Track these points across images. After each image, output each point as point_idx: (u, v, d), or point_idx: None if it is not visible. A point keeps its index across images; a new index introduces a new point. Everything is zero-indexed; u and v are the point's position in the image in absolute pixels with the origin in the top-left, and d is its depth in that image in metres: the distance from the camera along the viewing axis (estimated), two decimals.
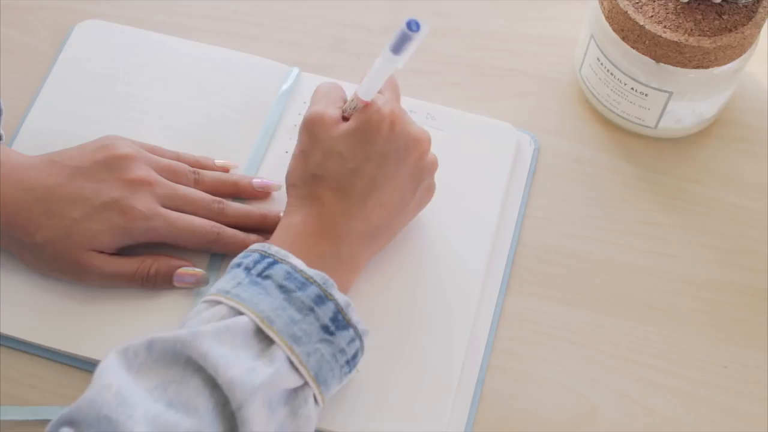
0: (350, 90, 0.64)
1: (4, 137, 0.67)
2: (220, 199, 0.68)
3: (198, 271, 0.66)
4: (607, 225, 0.72)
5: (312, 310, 0.57)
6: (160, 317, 0.66)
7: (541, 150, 0.75)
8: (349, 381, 0.63)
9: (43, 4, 0.80)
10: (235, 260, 0.60)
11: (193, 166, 0.70)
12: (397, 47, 0.55)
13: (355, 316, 0.58)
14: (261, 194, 0.70)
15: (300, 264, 0.58)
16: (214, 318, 0.56)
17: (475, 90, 0.77)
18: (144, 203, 0.65)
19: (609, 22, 0.70)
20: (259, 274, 0.58)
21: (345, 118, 0.63)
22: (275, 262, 0.58)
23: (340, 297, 0.58)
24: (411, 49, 0.55)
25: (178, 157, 0.70)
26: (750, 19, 0.68)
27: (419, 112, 0.74)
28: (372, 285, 0.67)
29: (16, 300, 0.66)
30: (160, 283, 0.66)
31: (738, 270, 0.70)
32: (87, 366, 0.65)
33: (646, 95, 0.71)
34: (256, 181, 0.70)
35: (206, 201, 0.67)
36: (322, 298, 0.57)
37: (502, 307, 0.68)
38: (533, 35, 0.80)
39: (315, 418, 0.57)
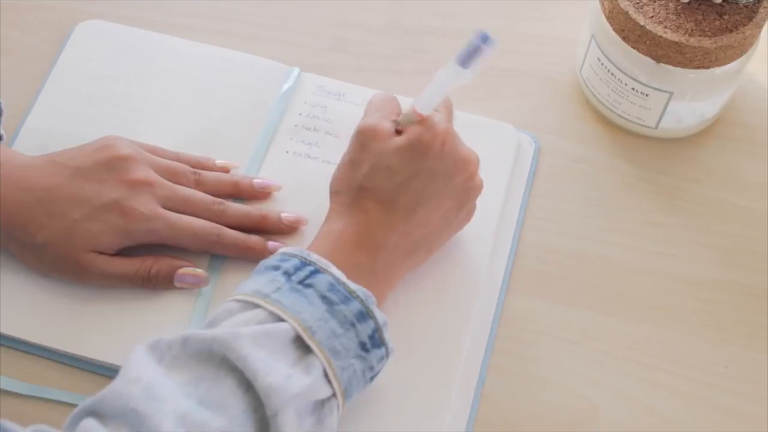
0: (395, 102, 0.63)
1: (4, 137, 0.67)
2: (220, 200, 0.68)
3: (199, 271, 0.66)
4: (608, 225, 0.72)
5: (353, 325, 0.56)
6: (160, 317, 0.66)
7: (541, 150, 0.74)
8: None
9: (44, 4, 0.80)
10: (269, 262, 0.59)
11: (193, 167, 0.69)
12: (466, 60, 0.54)
13: (387, 334, 0.58)
14: (261, 194, 0.70)
15: (342, 276, 0.58)
16: (252, 321, 0.55)
17: (476, 90, 0.77)
18: (144, 204, 0.64)
19: (609, 23, 0.70)
20: (301, 282, 0.57)
21: (398, 131, 0.63)
22: (317, 271, 0.57)
23: (379, 316, 0.58)
24: (481, 62, 0.54)
25: (178, 158, 0.70)
26: (751, 19, 0.68)
27: None
28: None
29: (16, 300, 0.66)
30: (161, 283, 0.66)
31: (738, 270, 0.70)
32: (87, 366, 0.65)
33: (647, 95, 0.71)
34: (256, 181, 0.70)
35: (207, 202, 0.67)
36: (364, 315, 0.57)
37: (503, 307, 0.68)
38: (534, 35, 0.80)
39: (336, 427, 0.57)
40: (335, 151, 0.72)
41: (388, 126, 0.62)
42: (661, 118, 0.73)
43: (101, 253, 0.65)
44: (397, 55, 0.79)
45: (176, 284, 0.66)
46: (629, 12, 0.68)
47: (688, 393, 0.65)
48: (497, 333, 0.67)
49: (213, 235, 0.66)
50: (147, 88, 0.75)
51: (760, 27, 0.68)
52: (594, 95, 0.75)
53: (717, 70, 0.69)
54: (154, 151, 0.69)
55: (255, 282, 0.58)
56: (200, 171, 0.69)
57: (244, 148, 0.73)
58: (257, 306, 0.56)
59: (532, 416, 0.64)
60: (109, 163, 0.65)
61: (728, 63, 0.69)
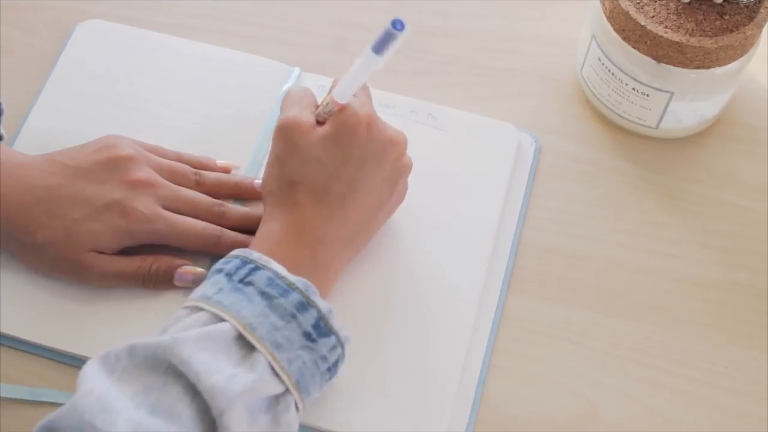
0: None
1: (5, 137, 0.67)
2: (221, 202, 0.68)
3: (199, 270, 0.66)
4: (608, 225, 0.72)
5: (294, 316, 0.56)
6: (160, 317, 0.65)
7: (542, 150, 0.74)
8: (350, 381, 0.63)
9: (44, 4, 0.80)
10: (216, 266, 0.59)
11: (194, 167, 0.69)
12: (380, 47, 0.54)
13: (337, 322, 0.58)
14: (262, 195, 0.70)
15: (282, 270, 0.58)
16: (195, 324, 0.55)
17: (476, 90, 0.77)
18: (145, 205, 0.65)
19: (610, 23, 0.70)
20: (241, 280, 0.57)
21: (319, 123, 0.62)
22: (257, 268, 0.58)
23: (322, 304, 0.57)
24: (393, 49, 0.55)
25: (179, 158, 0.70)
26: (751, 19, 0.68)
27: (420, 112, 0.74)
28: (373, 285, 0.67)
29: (16, 300, 0.66)
30: (161, 281, 0.66)
31: (739, 270, 0.70)
32: None
33: (648, 95, 0.71)
34: (257, 182, 0.70)
35: (207, 204, 0.67)
36: (304, 304, 0.57)
37: (503, 307, 0.68)
38: (534, 35, 0.80)
39: (296, 425, 0.57)
40: None
41: (309, 118, 0.62)
42: (661, 118, 0.73)
43: (101, 252, 0.65)
44: (397, 55, 0.79)
45: (176, 282, 0.66)
46: (630, 12, 0.68)
47: (689, 393, 0.65)
48: (498, 333, 0.67)
49: (213, 236, 0.66)
50: (147, 87, 0.75)
51: (760, 27, 0.68)
52: (594, 95, 0.75)
53: (717, 70, 0.69)
54: (155, 150, 0.69)
55: (202, 287, 0.58)
56: (201, 171, 0.69)
57: (245, 147, 0.73)
58: (200, 309, 0.56)
59: (533, 416, 0.64)
60: (110, 163, 0.65)
61: (729, 63, 0.69)
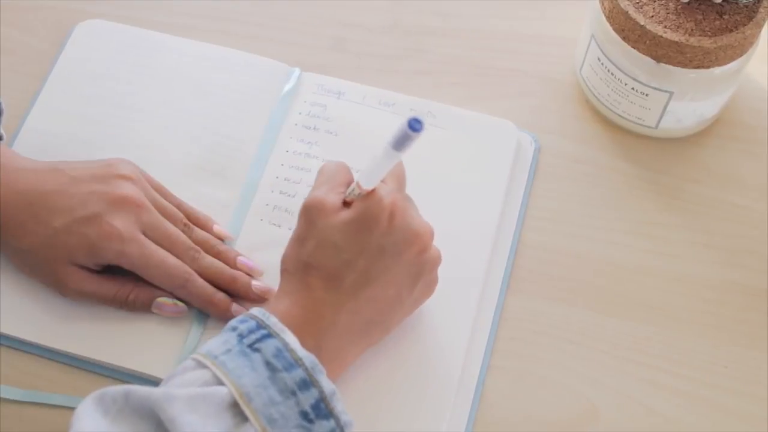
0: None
1: (5, 137, 0.67)
2: (198, 248, 0.66)
3: (180, 303, 0.65)
4: (608, 225, 0.72)
5: (294, 393, 0.54)
6: (160, 318, 0.66)
7: (541, 150, 0.74)
8: (350, 381, 0.63)
9: (44, 4, 0.80)
10: (233, 322, 0.58)
11: (190, 219, 0.68)
12: (399, 145, 0.53)
13: (339, 405, 0.55)
14: (242, 268, 0.67)
15: (293, 342, 0.56)
16: (195, 382, 0.54)
17: (476, 90, 0.77)
18: (124, 224, 0.63)
19: (609, 22, 0.70)
20: (251, 345, 0.55)
21: (347, 203, 0.60)
22: (269, 336, 0.56)
23: (326, 384, 0.55)
24: (412, 146, 0.53)
25: (179, 206, 0.68)
26: (751, 19, 0.68)
27: (420, 110, 0.74)
28: None
29: (16, 300, 0.66)
30: (139, 309, 0.65)
31: (739, 270, 0.70)
32: (87, 366, 0.65)
33: (647, 95, 0.71)
34: (241, 258, 0.67)
35: (185, 245, 0.65)
36: (307, 383, 0.55)
37: (503, 307, 0.68)
38: (534, 35, 0.80)
39: None
40: (335, 149, 0.72)
41: (334, 199, 0.60)
42: (661, 117, 0.73)
43: (83, 267, 0.64)
44: (397, 55, 0.79)
45: (154, 311, 0.65)
46: (629, 12, 0.68)
47: (689, 393, 0.65)
48: (497, 333, 0.67)
49: (182, 278, 0.64)
50: (147, 87, 0.75)
51: (760, 27, 0.68)
52: (594, 95, 0.75)
53: (717, 70, 0.69)
54: (160, 188, 0.68)
55: (214, 341, 0.57)
56: (192, 226, 0.67)
57: (246, 147, 0.73)
58: (205, 366, 0.55)
59: (533, 416, 0.64)
60: (105, 178, 0.64)
61: (728, 63, 0.69)
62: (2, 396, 0.64)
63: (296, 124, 0.74)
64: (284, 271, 0.61)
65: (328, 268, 0.59)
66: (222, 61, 0.77)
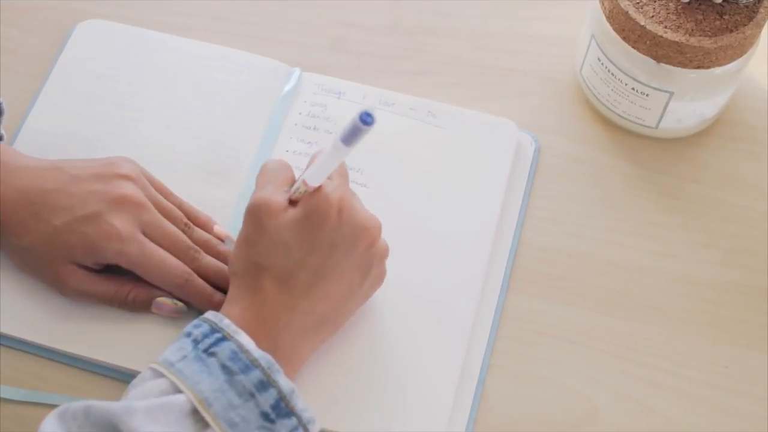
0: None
1: (5, 137, 0.67)
2: (198, 248, 0.66)
3: (179, 303, 0.65)
4: (608, 225, 0.72)
5: (252, 395, 0.54)
6: (160, 318, 0.65)
7: (541, 150, 0.74)
8: (350, 381, 0.63)
9: (44, 4, 0.80)
10: (188, 327, 0.58)
11: (190, 219, 0.67)
12: (349, 139, 0.52)
13: (300, 403, 0.55)
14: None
15: (248, 344, 0.56)
16: (153, 392, 0.54)
17: (476, 90, 0.77)
18: (124, 224, 0.63)
19: (610, 23, 0.70)
20: (206, 350, 0.55)
21: (292, 202, 0.59)
22: (223, 339, 0.56)
23: (284, 383, 0.55)
24: (361, 140, 0.52)
25: (180, 205, 0.68)
26: (751, 19, 0.68)
27: (420, 109, 0.74)
28: None
29: (16, 300, 0.66)
30: (138, 308, 0.65)
31: (738, 270, 0.70)
32: (87, 365, 0.65)
33: (647, 95, 0.71)
34: None
35: (185, 244, 0.65)
36: (265, 383, 0.55)
37: (503, 307, 0.68)
38: (534, 35, 0.80)
39: None
40: None
41: (280, 199, 0.59)
42: (661, 118, 0.73)
43: (83, 266, 0.64)
44: (397, 55, 0.79)
45: (154, 311, 0.65)
46: (629, 12, 0.68)
47: (689, 393, 0.65)
48: (497, 333, 0.67)
49: (182, 278, 0.64)
50: (147, 87, 0.75)
51: (760, 27, 0.68)
52: (594, 95, 0.75)
53: (717, 70, 0.69)
54: (161, 188, 0.68)
55: (169, 348, 0.57)
56: (192, 226, 0.67)
57: (246, 147, 0.73)
58: (162, 375, 0.55)
59: (533, 416, 0.64)
60: (105, 178, 0.64)
61: (728, 63, 0.69)
62: (2, 396, 0.64)
63: (296, 124, 0.74)
64: (234, 274, 0.61)
65: (280, 268, 0.59)
66: (222, 60, 0.77)
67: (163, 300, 0.64)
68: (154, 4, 0.81)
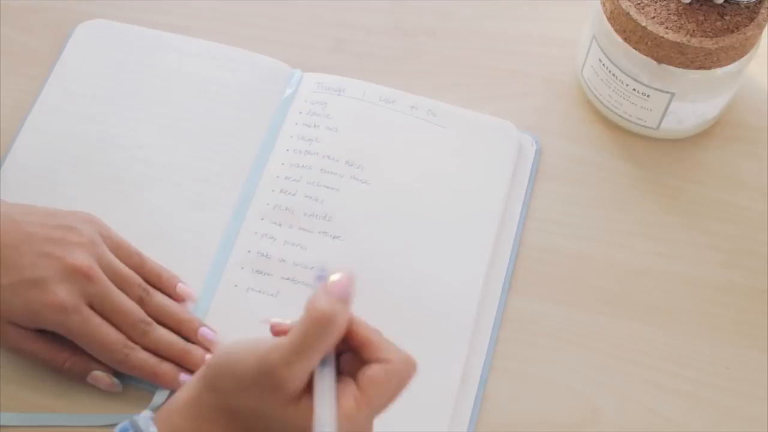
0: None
1: None
2: (150, 321, 0.63)
3: (114, 380, 0.63)
4: (609, 226, 0.72)
5: None
6: None
7: (542, 151, 0.74)
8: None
9: (44, 4, 0.80)
10: (117, 427, 0.54)
11: (151, 281, 0.65)
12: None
13: None
14: (202, 343, 0.64)
15: None
16: None
17: (477, 91, 0.77)
18: (69, 295, 0.61)
19: (611, 23, 0.70)
20: None
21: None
22: None
23: None
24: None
25: (142, 265, 0.66)
26: (752, 20, 0.68)
27: (421, 108, 0.74)
28: (373, 285, 0.67)
29: None
30: (74, 377, 0.63)
31: (740, 271, 0.70)
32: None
33: (648, 96, 0.71)
34: (203, 330, 0.65)
35: (134, 318, 0.63)
36: None
37: (504, 308, 0.68)
38: (535, 36, 0.80)
39: None
40: (335, 146, 0.72)
41: None
42: (662, 118, 0.73)
43: (21, 326, 0.62)
44: (398, 56, 0.79)
45: (89, 381, 0.63)
46: (631, 13, 0.68)
47: (690, 394, 0.65)
48: (499, 334, 0.67)
49: (121, 353, 0.62)
50: (148, 87, 0.75)
51: (761, 28, 0.68)
52: (595, 96, 0.75)
53: (718, 71, 0.69)
54: (120, 248, 0.65)
55: None
56: (151, 290, 0.65)
57: (246, 146, 0.73)
58: None
59: (534, 417, 0.64)
60: (60, 242, 0.62)
61: (729, 64, 0.69)
62: (2, 423, 0.63)
63: (297, 123, 0.74)
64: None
65: None
66: (223, 59, 0.76)
67: (99, 374, 0.63)
68: (154, 5, 0.80)
